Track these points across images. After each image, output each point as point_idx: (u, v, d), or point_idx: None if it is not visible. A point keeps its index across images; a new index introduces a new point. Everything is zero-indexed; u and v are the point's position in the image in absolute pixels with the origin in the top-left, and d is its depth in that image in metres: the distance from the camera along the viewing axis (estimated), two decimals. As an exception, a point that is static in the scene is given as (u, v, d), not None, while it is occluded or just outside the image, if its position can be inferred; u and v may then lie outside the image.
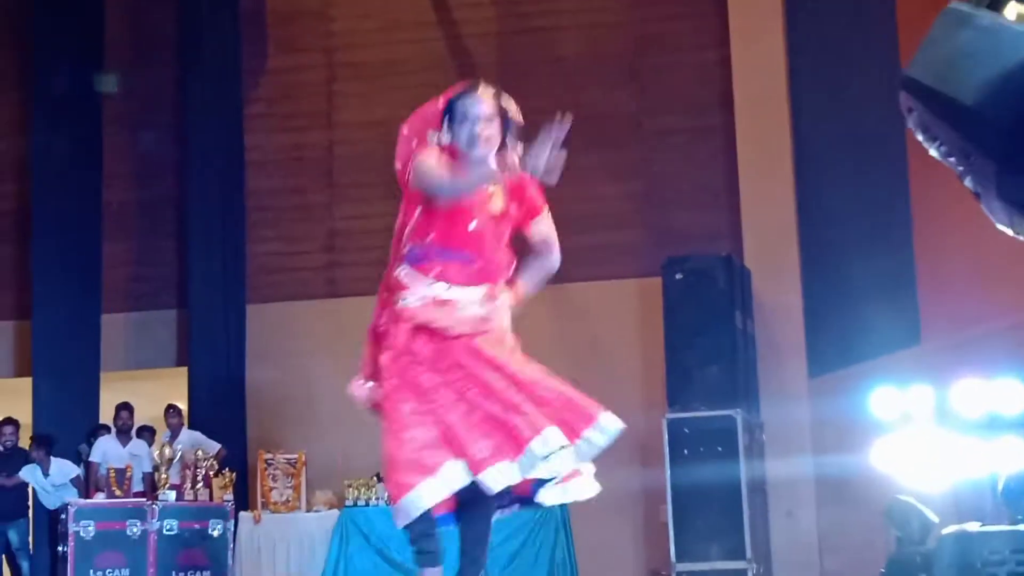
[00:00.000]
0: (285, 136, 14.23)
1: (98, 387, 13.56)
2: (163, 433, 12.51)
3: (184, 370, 13.76)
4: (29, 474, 12.15)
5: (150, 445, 12.36)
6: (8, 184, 14.32)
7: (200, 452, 11.86)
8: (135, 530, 11.32)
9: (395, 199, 14.47)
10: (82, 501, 11.55)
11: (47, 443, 12.27)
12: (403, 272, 4.89)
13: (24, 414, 13.18)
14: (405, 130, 4.91)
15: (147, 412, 12.99)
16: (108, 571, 11.27)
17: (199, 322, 13.67)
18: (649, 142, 13.78)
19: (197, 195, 13.95)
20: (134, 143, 14.40)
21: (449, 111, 4.83)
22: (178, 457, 11.81)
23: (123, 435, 12.43)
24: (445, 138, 4.84)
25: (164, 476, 11.65)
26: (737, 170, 13.28)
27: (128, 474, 11.81)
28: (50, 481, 12.08)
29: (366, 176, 14.00)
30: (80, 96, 14.04)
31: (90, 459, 12.22)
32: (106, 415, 13.08)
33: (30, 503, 12.53)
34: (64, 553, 11.26)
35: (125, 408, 12.54)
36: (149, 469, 12.08)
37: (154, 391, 13.62)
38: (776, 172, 13.04)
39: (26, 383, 13.77)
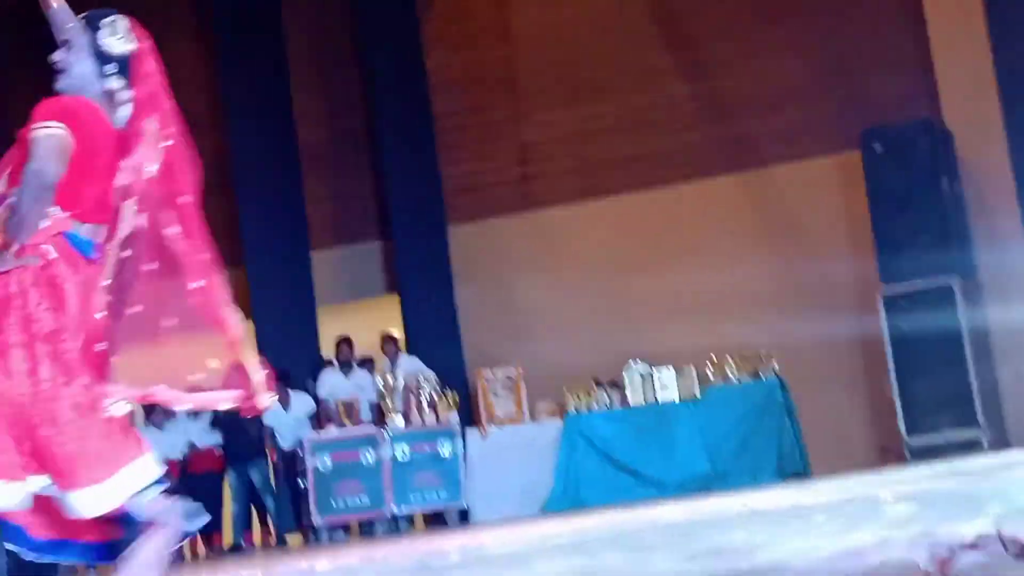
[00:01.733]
0: (465, 54, 14.28)
1: (316, 323, 13.91)
2: (383, 361, 12.78)
3: (395, 297, 14.03)
4: (270, 413, 12.48)
5: (372, 375, 12.64)
6: (206, 138, 14.56)
7: (421, 377, 12.12)
8: (369, 458, 11.66)
9: (583, 102, 14.42)
10: (317, 435, 11.90)
11: (284, 378, 12.64)
12: None
13: (247, 357, 13.60)
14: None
15: (364, 342, 13.28)
16: (348, 499, 11.64)
17: (403, 249, 13.90)
18: (828, 11, 13.41)
19: (386, 124, 14.11)
20: (320, 80, 14.61)
21: None
22: (401, 384, 12.08)
23: (345, 368, 12.74)
24: None
25: (390, 403, 11.95)
26: (926, 29, 12.84)
27: (355, 405, 12.15)
28: (292, 415, 12.39)
29: (549, 84, 14.01)
30: (262, 39, 14.29)
31: (317, 394, 12.56)
32: (325, 348, 13.43)
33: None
34: (304, 488, 11.66)
35: (345, 341, 12.83)
36: (374, 399, 12.37)
37: (369, 321, 13.92)
38: (968, 26, 12.56)
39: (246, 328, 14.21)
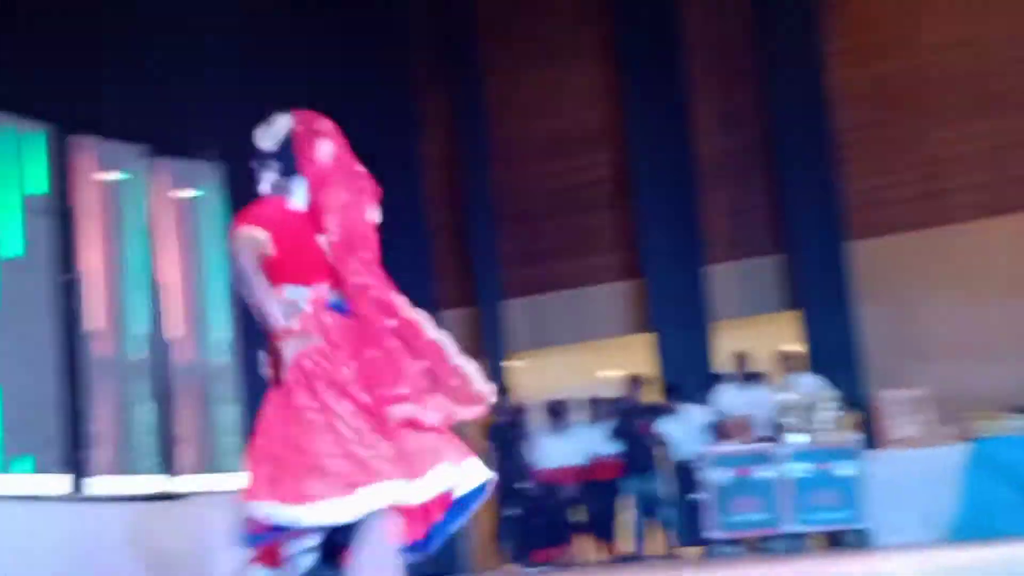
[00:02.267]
0: (869, 67, 13.96)
1: (711, 336, 13.92)
2: (781, 377, 12.66)
3: (791, 313, 13.87)
4: (667, 425, 12.63)
5: (768, 390, 12.56)
6: (604, 152, 14.95)
7: (822, 395, 11.94)
8: (765, 475, 11.60)
9: (995, 115, 13.83)
10: (714, 449, 11.93)
11: (680, 392, 12.74)
12: None
13: (638, 369, 13.74)
14: None
15: (761, 358, 13.20)
16: (744, 516, 11.62)
17: (802, 265, 13.74)
18: None
19: (785, 137, 13.98)
20: (720, 93, 14.61)
21: None
22: (799, 401, 11.94)
23: (742, 382, 12.70)
24: None
25: (789, 420, 11.83)
26: None
27: (752, 421, 12.10)
28: (688, 427, 12.51)
29: (959, 96, 13.55)
30: (663, 54, 14.45)
31: (713, 407, 12.56)
32: (722, 363, 13.42)
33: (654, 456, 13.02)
34: (697, 501, 11.70)
35: (741, 355, 12.81)
36: (771, 414, 12.28)
37: (764, 336, 13.81)
38: None
39: (637, 340, 14.38)
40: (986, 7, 13.54)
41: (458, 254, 15.06)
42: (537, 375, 15.43)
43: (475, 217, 14.84)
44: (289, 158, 4.91)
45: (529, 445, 13.02)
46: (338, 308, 4.83)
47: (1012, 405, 11.75)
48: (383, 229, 16.05)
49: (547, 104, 15.18)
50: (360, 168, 5.03)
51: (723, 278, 14.15)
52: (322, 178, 4.88)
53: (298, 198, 4.91)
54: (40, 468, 8.99)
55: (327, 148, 4.92)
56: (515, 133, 15.26)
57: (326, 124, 4.98)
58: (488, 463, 13.47)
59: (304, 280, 4.81)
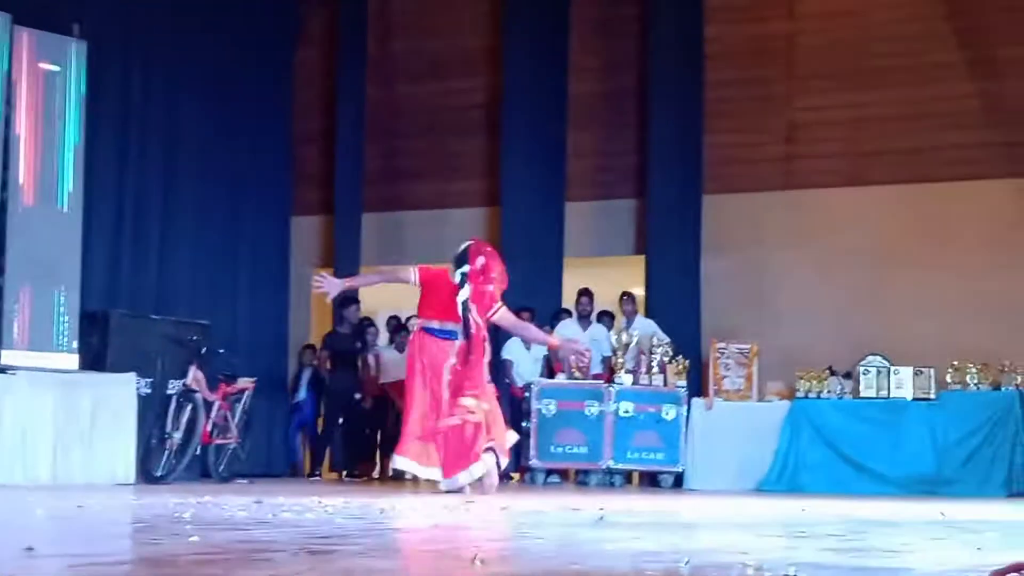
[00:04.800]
0: (746, 27, 14.19)
1: (561, 272, 14.16)
2: (620, 319, 12.95)
3: (641, 258, 14.13)
4: (509, 351, 12.81)
5: (609, 330, 12.84)
6: (480, 77, 15.04)
7: (655, 339, 12.26)
8: (593, 410, 11.91)
9: (860, 88, 13.98)
10: (545, 380, 12.20)
11: (530, 318, 12.93)
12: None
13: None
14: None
15: (606, 297, 13.48)
16: (567, 447, 11.93)
17: (656, 212, 13.97)
18: None
19: (657, 86, 14.17)
20: (599, 36, 14.75)
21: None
22: (634, 343, 12.26)
23: (583, 319, 12.97)
24: None
25: (621, 361, 12.14)
26: None
27: (587, 358, 12.36)
28: (531, 355, 12.71)
29: (828, 67, 13.82)
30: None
31: (553, 340, 12.79)
32: (568, 299, 13.67)
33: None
34: (527, 428, 11.98)
35: (585, 294, 13.06)
36: (607, 353, 12.58)
37: (614, 277, 14.09)
38: None
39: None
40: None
41: (323, 163, 15.09)
42: (389, 291, 15.54)
43: (344, 129, 14.85)
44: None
45: (368, 358, 13.18)
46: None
47: (835, 368, 12.18)
48: (252, 133, 15.72)
49: (428, 27, 15.20)
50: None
51: (579, 216, 14.36)
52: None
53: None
54: None
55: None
56: (393, 51, 15.28)
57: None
58: (326, 373, 13.59)
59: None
